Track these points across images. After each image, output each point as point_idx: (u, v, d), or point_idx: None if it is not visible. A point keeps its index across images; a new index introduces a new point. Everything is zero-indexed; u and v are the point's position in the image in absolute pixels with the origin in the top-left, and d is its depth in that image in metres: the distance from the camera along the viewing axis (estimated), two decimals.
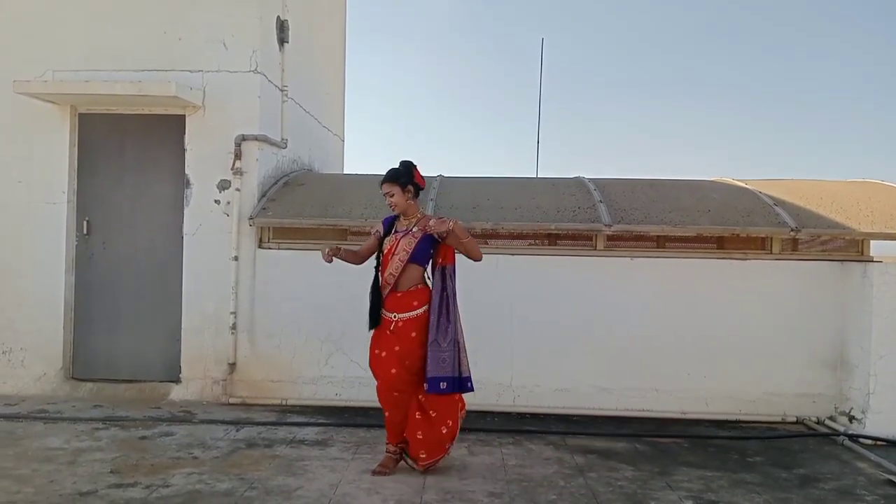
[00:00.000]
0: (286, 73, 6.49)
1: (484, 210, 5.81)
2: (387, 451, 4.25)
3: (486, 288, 5.64)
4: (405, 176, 4.17)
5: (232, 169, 5.82)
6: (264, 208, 5.83)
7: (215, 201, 5.85)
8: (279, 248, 5.86)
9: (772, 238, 5.66)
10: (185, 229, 5.87)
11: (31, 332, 5.92)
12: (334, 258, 4.18)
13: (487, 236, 5.96)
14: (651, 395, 5.56)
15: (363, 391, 5.66)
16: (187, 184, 5.88)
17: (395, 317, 4.10)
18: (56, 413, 5.31)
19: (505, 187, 6.29)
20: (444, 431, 4.09)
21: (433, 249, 4.16)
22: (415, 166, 4.22)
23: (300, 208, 5.91)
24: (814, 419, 5.48)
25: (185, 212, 5.88)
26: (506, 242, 6.00)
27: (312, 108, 7.59)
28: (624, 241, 5.77)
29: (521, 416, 5.49)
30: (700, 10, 21.44)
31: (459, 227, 4.03)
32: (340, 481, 3.96)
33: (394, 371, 4.05)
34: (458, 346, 4.12)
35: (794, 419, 5.50)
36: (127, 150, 6.03)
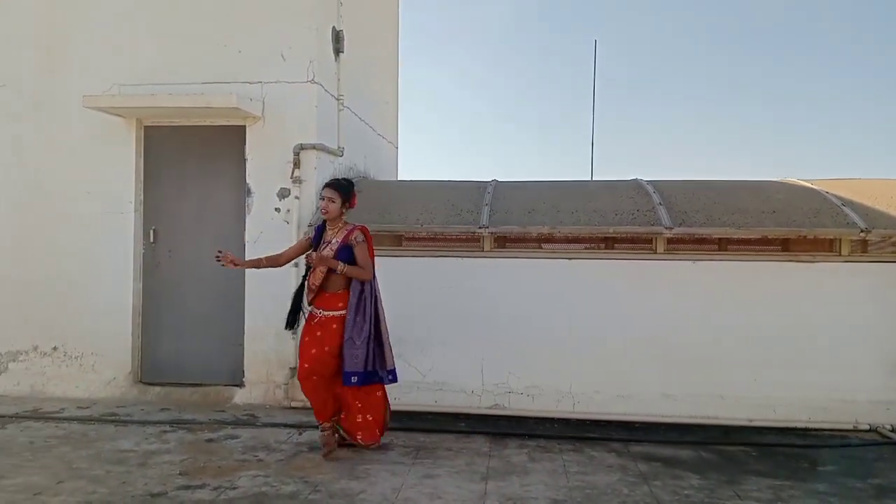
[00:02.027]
0: (342, 82, 6.59)
1: (540, 214, 5.78)
2: (322, 431, 4.60)
3: (542, 293, 5.62)
4: (347, 190, 4.60)
5: (291, 177, 5.94)
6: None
7: (275, 209, 5.97)
8: None
9: (840, 239, 5.48)
10: (247, 237, 6.00)
11: (102, 338, 6.13)
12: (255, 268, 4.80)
13: (542, 240, 5.94)
14: (716, 402, 5.43)
15: (420, 395, 5.70)
16: (248, 192, 6.01)
17: (320, 312, 4.52)
18: (126, 416, 5.48)
19: (560, 191, 6.24)
20: (369, 419, 4.64)
21: (352, 257, 4.49)
22: (355, 191, 4.68)
23: (357, 215, 5.94)
24: (888, 427, 5.26)
25: (247, 220, 6.01)
26: (562, 246, 5.95)
27: (367, 115, 7.68)
28: (684, 244, 5.66)
29: (581, 423, 5.43)
30: (758, 6, 20.93)
31: (341, 266, 4.40)
32: (402, 485, 3.98)
33: (314, 351, 4.44)
34: (373, 343, 4.49)
35: (867, 427, 5.29)
36: (190, 161, 6.21)
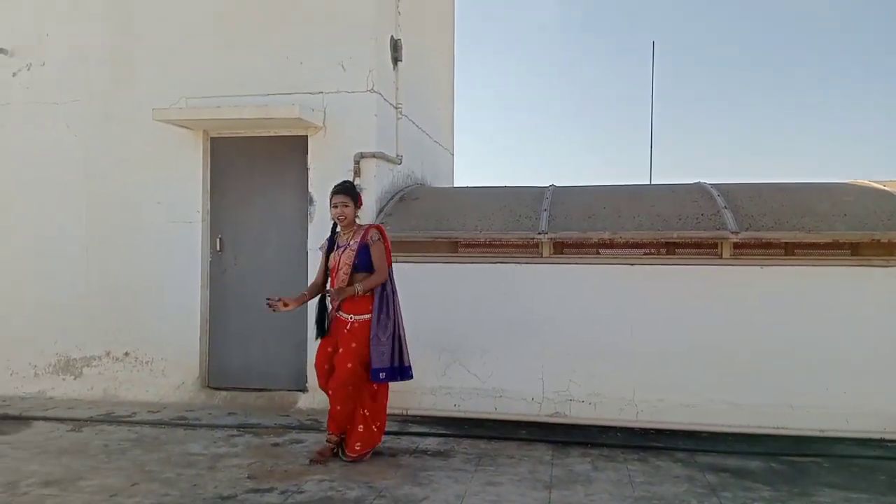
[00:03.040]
0: (400, 90, 6.66)
1: (600, 219, 5.72)
2: (328, 441, 4.63)
3: (602, 299, 5.56)
4: (356, 193, 4.68)
5: None
6: (382, 223, 5.99)
7: None
8: (396, 261, 5.92)
9: None
10: (310, 245, 6.11)
11: (171, 344, 6.32)
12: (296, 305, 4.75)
13: (601, 246, 5.87)
14: (785, 412, 5.27)
15: (481, 402, 5.70)
16: (310, 201, 6.12)
17: (350, 318, 4.54)
18: (195, 420, 5.64)
19: (621, 195, 6.17)
20: (373, 429, 4.63)
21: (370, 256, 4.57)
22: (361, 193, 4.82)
23: (416, 222, 6.03)
24: None
25: (309, 228, 6.12)
26: (621, 252, 5.87)
27: (424, 123, 7.74)
28: (750, 249, 5.53)
29: (645, 432, 5.34)
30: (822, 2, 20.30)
31: (357, 289, 4.46)
32: (465, 493, 3.98)
33: (349, 366, 4.46)
34: (398, 340, 4.58)
35: None
36: (254, 171, 6.36)
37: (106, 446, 4.91)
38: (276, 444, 4.96)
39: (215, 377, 6.37)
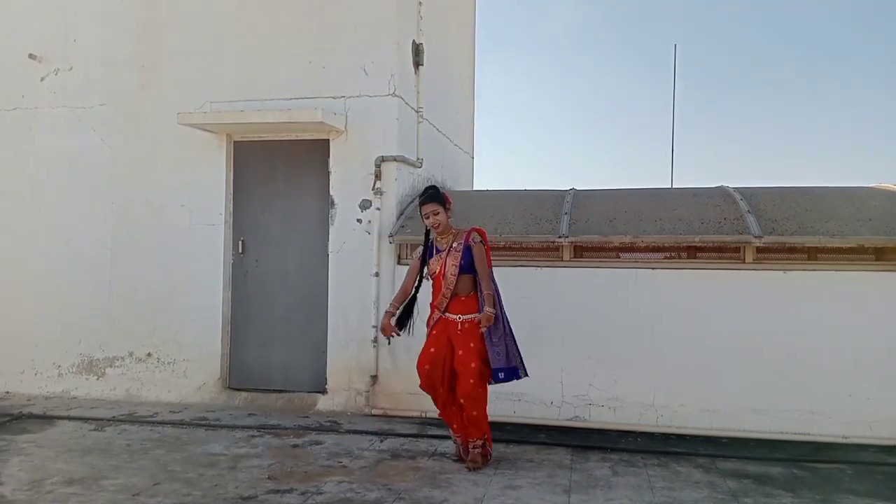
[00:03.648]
0: (421, 94, 6.68)
1: (622, 223, 5.70)
2: (476, 449, 4.54)
3: (624, 303, 5.53)
4: (444, 198, 4.59)
5: (372, 189, 6.05)
6: (403, 226, 6.01)
7: (357, 220, 6.10)
8: None
9: None
10: (330, 247, 6.15)
11: (193, 345, 6.39)
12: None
13: (623, 250, 5.83)
14: (807, 418, 5.21)
15: (500, 406, 5.66)
16: (332, 204, 6.17)
17: (459, 318, 4.49)
18: (216, 420, 5.69)
19: (642, 199, 6.13)
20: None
21: (471, 259, 4.53)
22: (445, 193, 4.68)
23: None
24: None
25: (330, 231, 6.16)
26: (642, 256, 5.83)
27: (444, 126, 7.76)
28: (774, 253, 5.46)
29: (665, 437, 5.31)
30: (847, 1, 20.05)
31: (490, 315, 4.37)
32: (484, 496, 3.98)
33: (473, 365, 4.41)
34: (508, 338, 4.52)
35: None
36: (277, 174, 6.42)
37: (128, 446, 4.97)
38: (295, 446, 4.99)
39: (236, 378, 6.42)
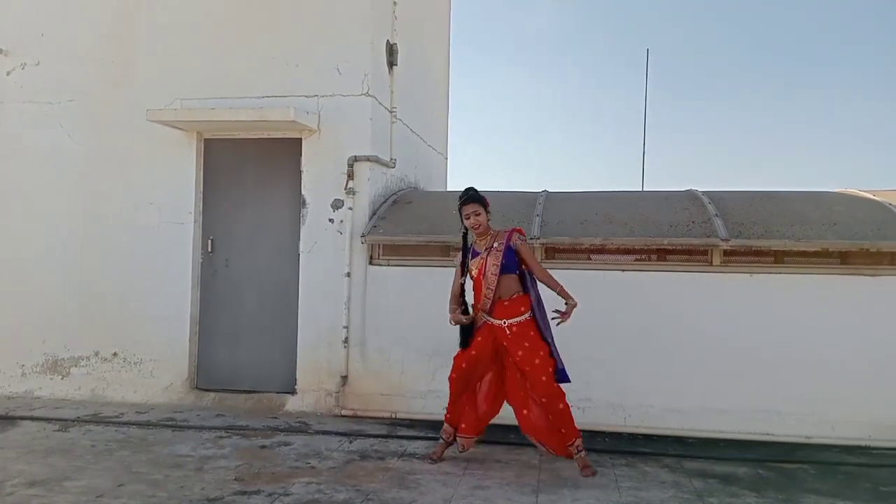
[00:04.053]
0: (395, 94, 6.67)
1: (592, 225, 5.74)
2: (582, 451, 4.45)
3: (594, 305, 5.54)
4: (482, 198, 4.53)
5: (345, 189, 6.03)
6: (375, 226, 6.00)
7: (329, 220, 6.07)
8: (389, 265, 6.00)
9: None
10: (302, 247, 6.11)
11: (160, 345, 6.30)
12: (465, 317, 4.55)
13: (594, 251, 5.88)
14: (773, 419, 5.29)
15: None
16: (303, 204, 6.13)
17: (505, 323, 4.40)
18: (182, 421, 5.62)
19: (613, 201, 6.19)
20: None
21: (517, 259, 4.46)
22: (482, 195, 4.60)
23: (408, 226, 6.04)
24: None
25: (302, 230, 6.12)
26: (614, 258, 5.88)
27: (418, 127, 7.75)
28: (741, 257, 5.54)
29: (633, 437, 5.36)
30: (817, 7, 20.43)
31: (575, 305, 4.40)
32: (453, 496, 3.98)
33: (537, 361, 4.33)
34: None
35: None
36: (248, 173, 6.36)
37: (93, 447, 4.89)
38: (263, 447, 4.95)
39: (204, 378, 6.35)
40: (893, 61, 19.85)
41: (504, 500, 3.96)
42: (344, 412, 5.87)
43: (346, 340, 5.93)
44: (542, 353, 4.36)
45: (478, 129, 23.46)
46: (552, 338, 4.47)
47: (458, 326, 4.56)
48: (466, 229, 4.59)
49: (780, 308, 5.37)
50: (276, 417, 5.78)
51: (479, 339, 4.50)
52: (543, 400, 4.37)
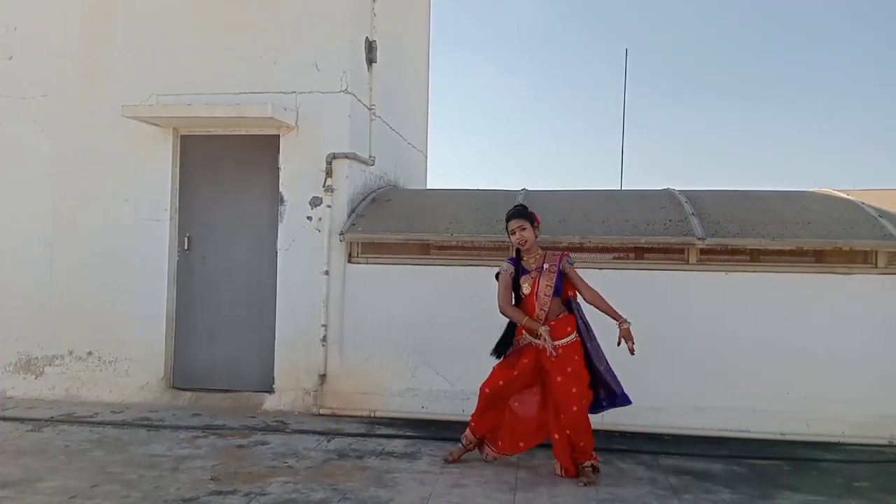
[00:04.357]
0: (374, 92, 6.64)
1: (571, 223, 5.76)
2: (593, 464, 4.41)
3: None
4: (532, 215, 4.45)
5: (323, 186, 6.00)
6: (354, 224, 5.98)
7: (307, 218, 6.04)
8: (367, 263, 5.98)
9: (877, 252, 5.38)
10: (279, 245, 6.08)
11: (136, 343, 6.23)
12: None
13: (572, 250, 5.89)
14: (748, 416, 5.35)
15: (448, 405, 5.70)
16: (281, 201, 6.09)
17: (550, 343, 4.28)
18: (158, 421, 5.56)
19: (591, 200, 6.22)
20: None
21: (559, 284, 4.42)
22: (532, 211, 4.53)
23: (387, 223, 6.03)
24: None
25: (279, 228, 6.09)
26: (592, 256, 5.90)
27: (397, 124, 7.73)
28: (717, 255, 5.59)
29: (610, 434, 5.38)
30: (796, 11, 20.65)
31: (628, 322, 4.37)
32: (431, 495, 3.98)
33: (575, 390, 4.25)
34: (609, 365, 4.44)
35: None
36: (225, 170, 6.31)
37: (66, 447, 4.82)
38: (240, 446, 4.91)
39: (180, 377, 6.29)
40: (867, 63, 20.14)
41: (482, 497, 3.97)
42: (322, 411, 5.85)
43: (324, 339, 5.90)
44: (582, 381, 4.28)
45: (458, 127, 23.47)
46: (606, 363, 4.41)
47: (503, 331, 4.52)
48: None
49: (755, 306, 5.43)
50: (253, 417, 5.74)
51: (525, 360, 4.39)
52: (568, 432, 4.28)
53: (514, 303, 4.48)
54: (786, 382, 5.35)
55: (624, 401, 4.42)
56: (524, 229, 4.38)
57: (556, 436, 4.35)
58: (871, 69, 19.84)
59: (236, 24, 6.21)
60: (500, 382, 4.43)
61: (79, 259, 6.35)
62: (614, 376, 4.43)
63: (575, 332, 4.36)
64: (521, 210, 4.47)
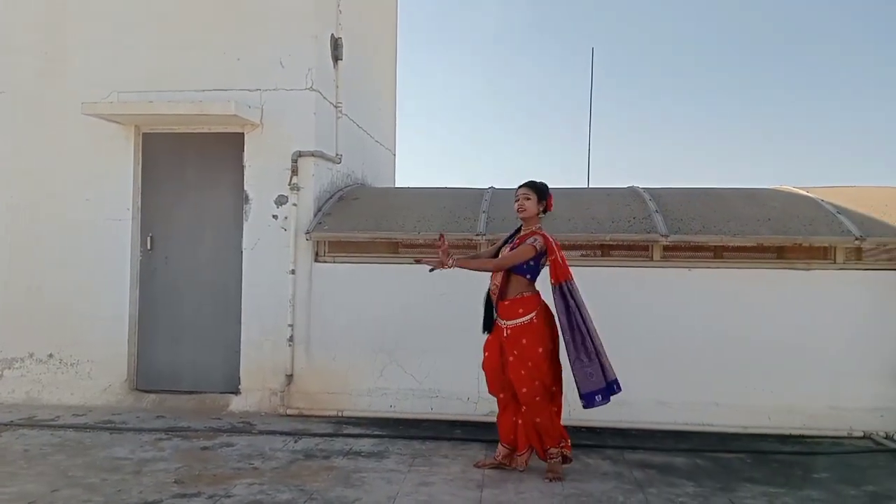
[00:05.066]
0: (340, 89, 6.60)
1: None
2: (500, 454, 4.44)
3: None
4: (543, 191, 4.39)
5: (289, 184, 5.95)
6: (320, 223, 5.94)
7: (273, 216, 5.98)
8: (335, 262, 5.95)
9: (835, 247, 5.50)
10: (245, 244, 6.01)
11: (98, 345, 6.12)
12: None
13: None
14: (711, 409, 5.44)
15: (417, 403, 5.70)
16: (246, 200, 6.03)
17: (504, 324, 4.29)
18: (121, 423, 5.47)
19: (557, 198, 6.13)
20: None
21: (540, 263, 4.30)
22: (550, 192, 4.42)
23: (355, 222, 6.00)
24: (882, 434, 5.28)
25: (245, 227, 6.02)
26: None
27: (365, 122, 7.70)
28: (681, 252, 5.68)
29: (577, 430, 5.42)
30: (758, 12, 21.00)
31: (464, 262, 4.38)
32: (398, 493, 3.98)
33: (523, 373, 4.21)
34: (599, 355, 4.25)
35: (861, 434, 5.31)
36: (188, 168, 6.22)
37: (26, 451, 4.72)
38: (205, 448, 4.85)
39: (144, 379, 6.20)
40: (828, 62, 20.57)
41: (448, 495, 3.98)
42: (289, 411, 5.80)
43: (290, 339, 5.86)
44: (530, 363, 4.19)
45: (428, 125, 23.44)
46: (598, 353, 4.24)
47: (485, 309, 4.42)
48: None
49: (718, 302, 5.52)
50: (219, 418, 5.68)
51: (490, 337, 4.41)
52: (524, 408, 4.31)
53: None
54: (748, 376, 5.44)
55: (609, 392, 4.28)
56: (528, 198, 4.33)
57: (520, 420, 4.39)
58: (831, 68, 20.27)
59: (199, 20, 6.13)
60: (487, 373, 4.45)
61: (38, 260, 6.22)
62: (607, 365, 4.27)
63: (530, 316, 4.23)
64: (534, 182, 4.42)
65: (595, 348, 4.24)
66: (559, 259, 4.29)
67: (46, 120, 6.26)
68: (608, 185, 6.79)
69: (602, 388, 4.24)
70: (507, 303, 4.29)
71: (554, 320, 4.32)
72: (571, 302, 4.24)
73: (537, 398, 4.24)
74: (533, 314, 4.26)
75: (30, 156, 6.26)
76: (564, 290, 4.26)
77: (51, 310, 6.18)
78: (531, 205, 4.33)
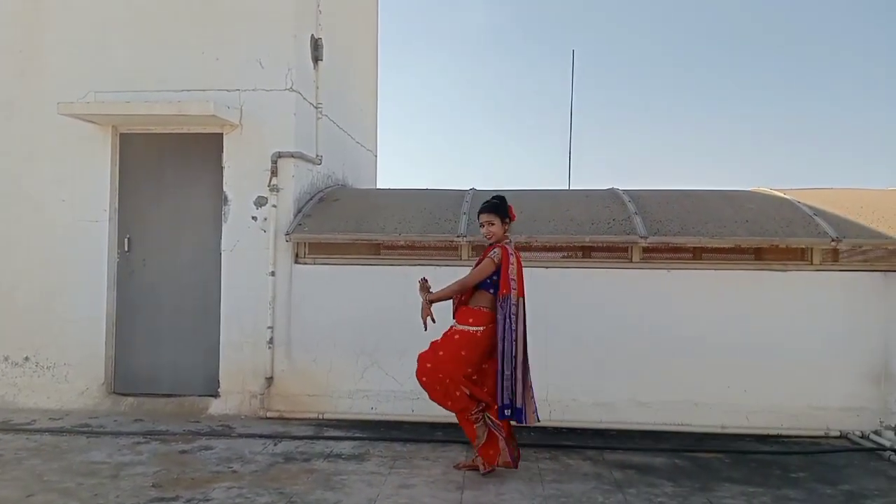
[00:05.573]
0: (320, 90, 6.57)
1: (518, 223, 5.72)
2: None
3: None
4: (503, 209, 4.44)
5: (268, 185, 5.91)
6: (300, 224, 5.91)
7: (252, 218, 5.94)
8: (315, 263, 5.92)
9: (812, 249, 5.57)
10: (224, 245, 5.97)
11: (75, 348, 6.05)
12: None
13: (520, 249, 5.94)
14: (690, 410, 5.49)
15: (398, 405, 5.69)
16: (225, 201, 5.98)
17: (454, 325, 4.42)
18: (98, 427, 5.41)
19: (538, 200, 6.27)
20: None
21: (495, 277, 4.32)
22: (508, 203, 4.49)
23: (335, 223, 5.98)
24: (858, 433, 5.35)
25: (224, 228, 5.98)
26: (539, 255, 5.97)
27: (345, 123, 7.67)
28: (660, 253, 5.72)
29: (557, 431, 5.46)
30: (739, 17, 21.20)
31: (435, 295, 4.42)
32: (378, 496, 3.97)
33: (441, 353, 4.28)
34: (514, 378, 4.23)
35: (838, 433, 5.38)
36: (166, 169, 6.16)
37: (1, 456, 4.65)
38: (183, 452, 4.81)
39: (122, 383, 6.13)
40: (810, 63, 20.82)
41: (429, 497, 3.97)
42: (269, 414, 5.77)
43: (270, 341, 5.82)
44: (441, 353, 4.27)
45: (409, 127, 23.40)
46: (516, 372, 4.22)
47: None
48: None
49: (697, 303, 5.57)
50: (198, 421, 5.63)
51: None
52: (424, 379, 4.31)
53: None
54: (726, 377, 5.49)
55: (516, 416, 4.25)
56: (492, 224, 4.41)
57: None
58: (811, 69, 20.52)
59: (178, 19, 6.08)
60: (428, 365, 4.36)
61: (13, 261, 6.13)
62: (519, 391, 4.23)
63: (477, 328, 4.29)
64: (491, 205, 4.43)
65: (522, 368, 4.27)
66: (507, 273, 4.29)
67: (22, 119, 6.17)
68: (589, 186, 6.82)
69: (509, 404, 4.22)
70: (463, 308, 4.43)
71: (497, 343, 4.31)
72: (509, 318, 4.24)
73: (423, 378, 4.30)
74: (480, 328, 4.31)
75: (5, 155, 6.17)
76: (501, 303, 4.27)
77: (27, 312, 6.10)
78: (496, 229, 4.42)
